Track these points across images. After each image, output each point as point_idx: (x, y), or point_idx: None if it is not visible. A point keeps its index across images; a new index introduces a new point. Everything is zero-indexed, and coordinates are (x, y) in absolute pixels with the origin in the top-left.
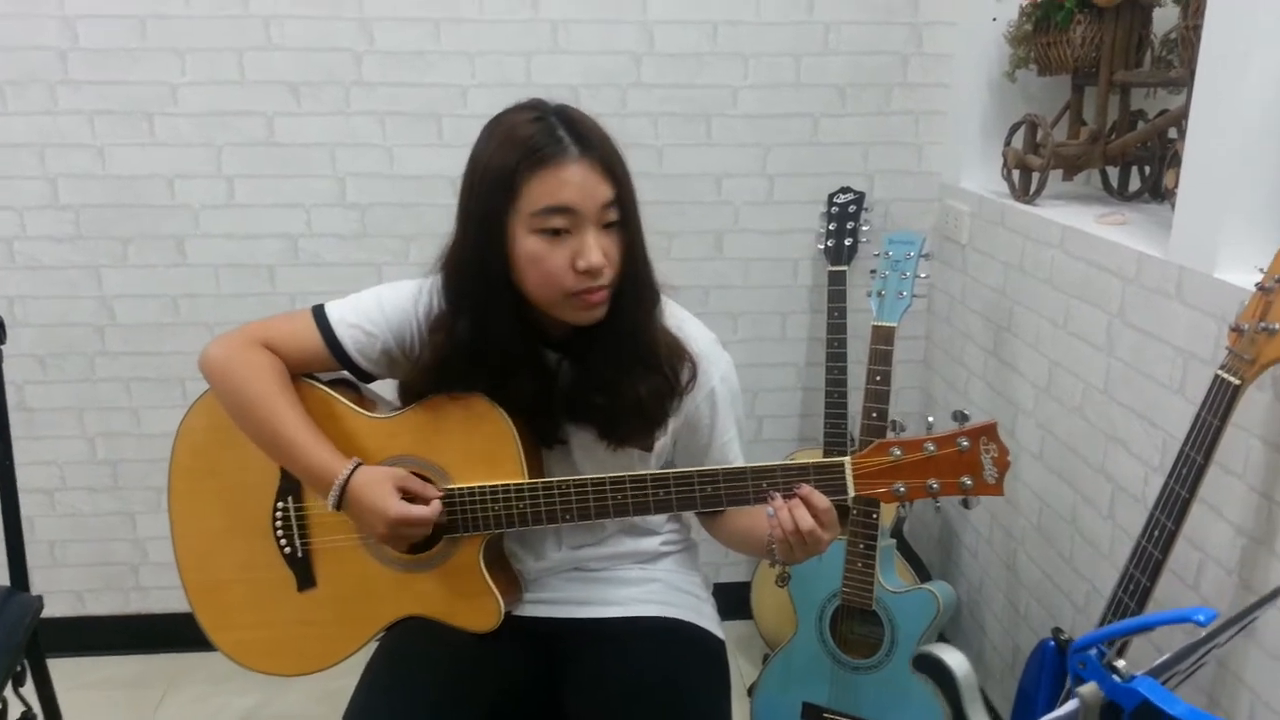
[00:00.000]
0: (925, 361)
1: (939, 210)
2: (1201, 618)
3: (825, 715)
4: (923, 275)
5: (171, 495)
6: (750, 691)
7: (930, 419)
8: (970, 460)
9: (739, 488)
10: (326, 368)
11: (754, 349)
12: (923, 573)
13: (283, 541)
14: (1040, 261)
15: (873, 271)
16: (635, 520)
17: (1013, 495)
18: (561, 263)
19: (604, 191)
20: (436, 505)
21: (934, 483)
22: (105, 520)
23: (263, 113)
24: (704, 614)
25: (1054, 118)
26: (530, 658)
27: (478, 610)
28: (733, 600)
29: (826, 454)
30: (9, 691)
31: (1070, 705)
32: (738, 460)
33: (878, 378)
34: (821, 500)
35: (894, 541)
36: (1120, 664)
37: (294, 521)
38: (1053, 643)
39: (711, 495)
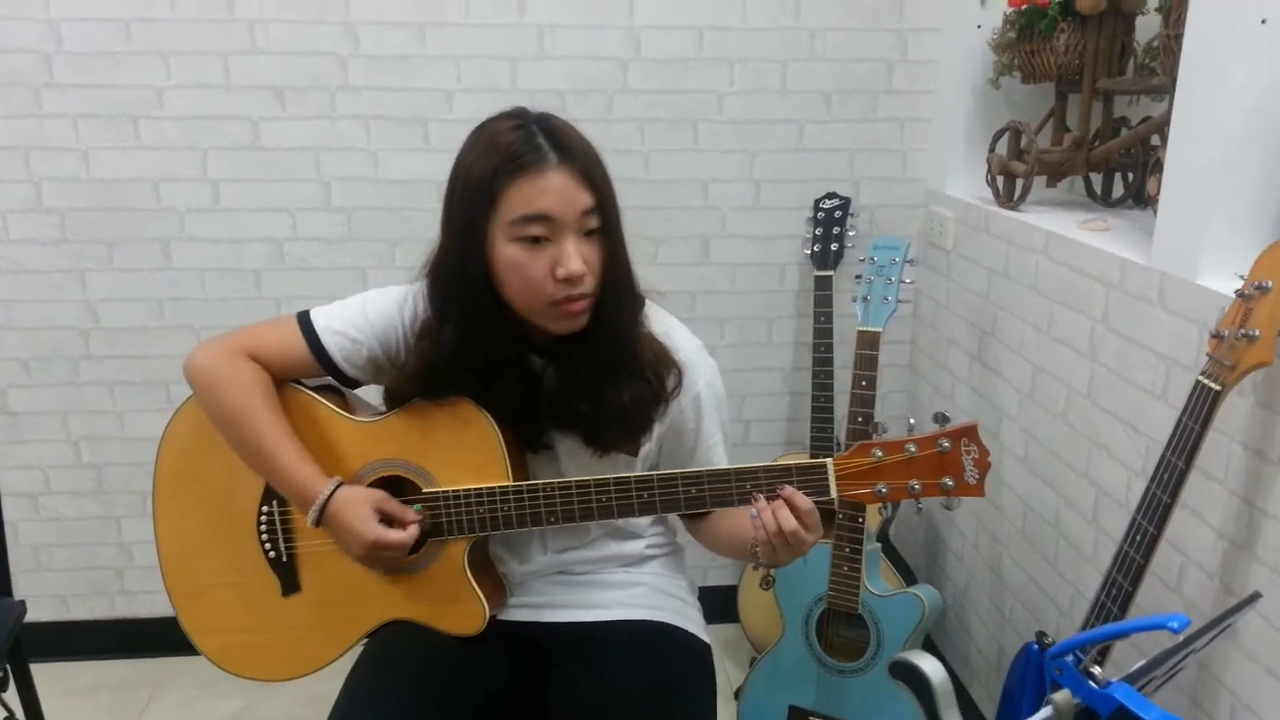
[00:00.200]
0: (911, 366)
1: (924, 216)
2: (1175, 625)
3: (811, 718)
4: (908, 281)
5: (156, 500)
6: (737, 695)
7: (911, 421)
8: (951, 461)
9: (722, 489)
10: (312, 374)
11: (741, 354)
12: (908, 576)
13: (267, 546)
14: (1024, 267)
15: (858, 277)
16: (620, 523)
17: (997, 499)
18: (541, 270)
19: (583, 199)
20: (413, 530)
21: (916, 484)
22: (89, 524)
23: (248, 117)
24: (690, 618)
25: (1038, 124)
26: (515, 662)
27: (462, 614)
28: (720, 603)
29: (813, 458)
30: None
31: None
32: (723, 465)
33: (863, 382)
34: (804, 501)
35: (879, 545)
36: (1096, 670)
37: (279, 526)
38: (1036, 646)
39: (695, 497)
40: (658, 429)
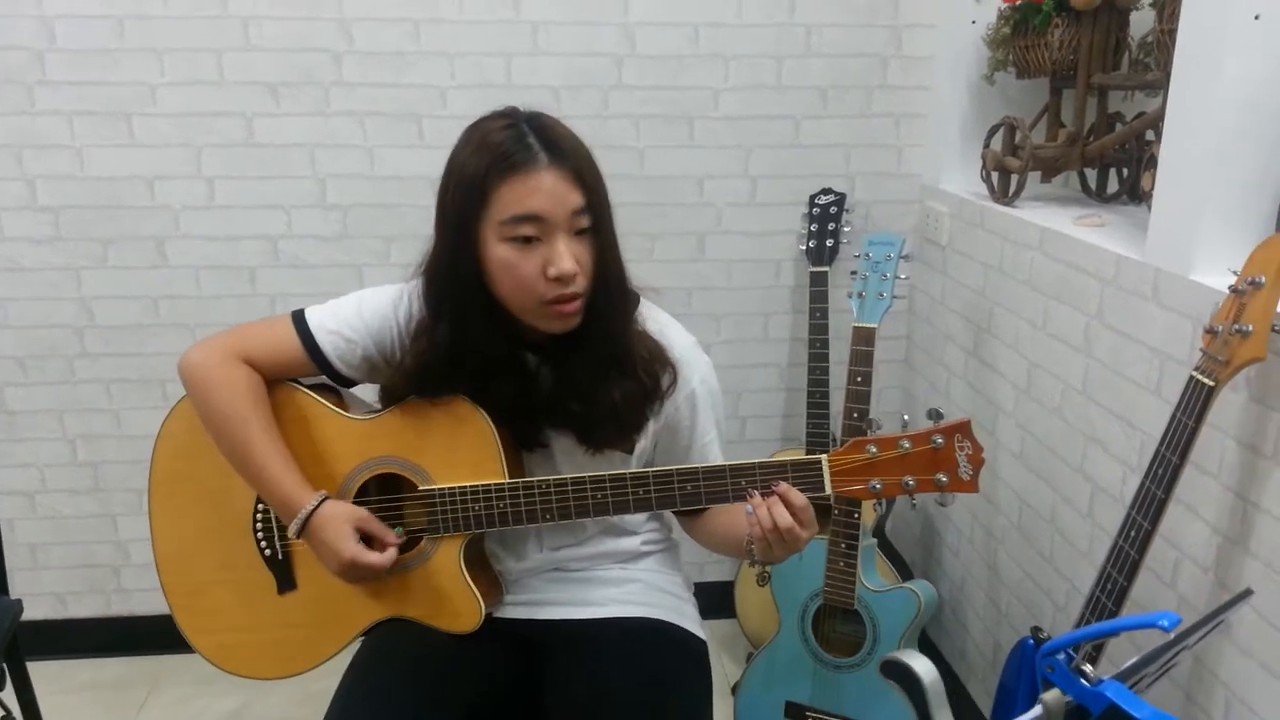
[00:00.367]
0: (907, 361)
1: (919, 212)
2: (1166, 623)
3: (808, 714)
4: (903, 276)
5: (151, 499)
6: (734, 690)
7: (905, 417)
8: (945, 457)
9: (718, 486)
10: (307, 373)
11: (737, 350)
12: (904, 571)
13: (263, 543)
14: (1019, 263)
15: (853, 273)
16: (615, 520)
17: (993, 494)
18: (533, 270)
19: (574, 199)
20: (391, 554)
21: (910, 480)
22: (86, 522)
23: (242, 113)
24: (685, 614)
25: (1032, 120)
26: (511, 659)
27: (458, 611)
28: (716, 599)
29: (809, 454)
30: None
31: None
32: (718, 462)
33: (859, 378)
34: (799, 498)
35: (875, 541)
36: (1088, 668)
37: (274, 523)
38: (1032, 641)
39: (690, 493)
40: (652, 426)
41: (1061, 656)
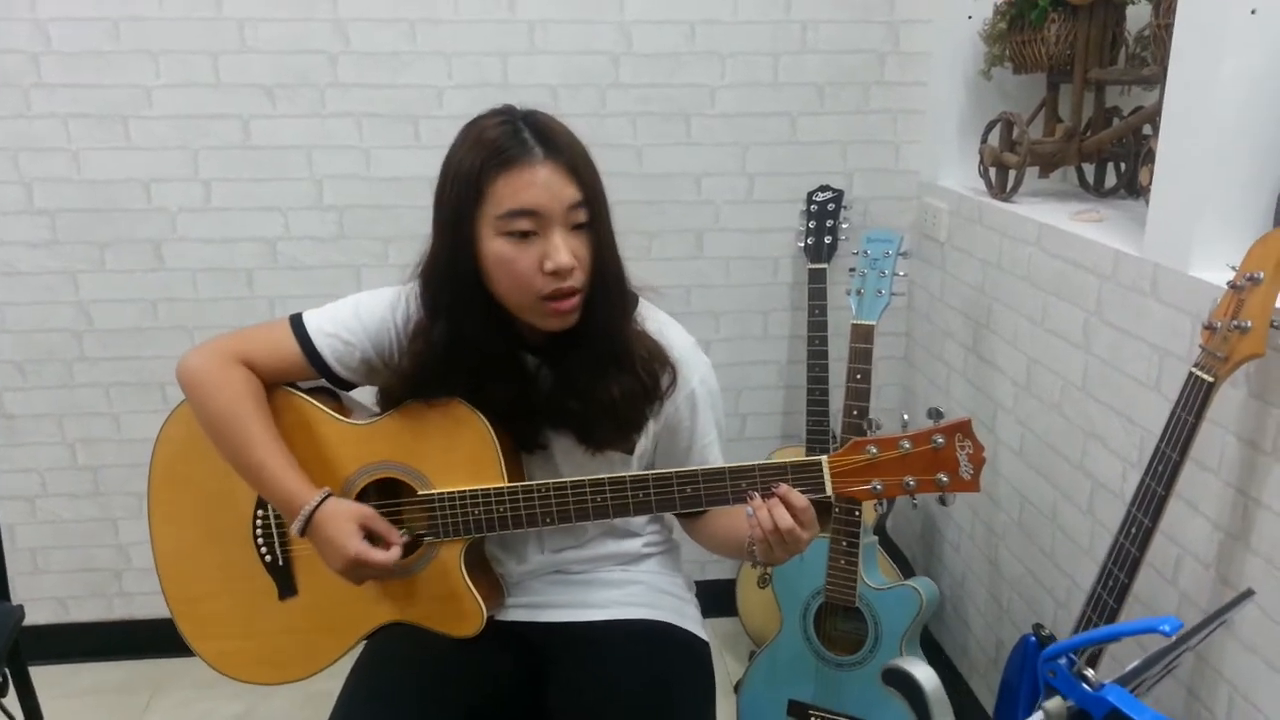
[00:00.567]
0: (906, 358)
1: (917, 208)
2: (1167, 628)
3: (810, 712)
4: (901, 274)
5: (151, 505)
6: (736, 689)
7: (905, 416)
8: (946, 457)
9: (718, 488)
10: (305, 377)
11: (736, 347)
12: (905, 569)
13: (263, 549)
14: (1018, 259)
15: (852, 270)
16: (617, 522)
17: (994, 491)
18: (530, 265)
19: (570, 193)
20: (395, 552)
21: (910, 480)
22: (87, 526)
23: (238, 115)
24: (687, 615)
25: (1030, 115)
26: (514, 662)
27: (460, 615)
28: (718, 597)
29: (809, 451)
30: None
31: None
32: (718, 462)
33: (858, 376)
34: (799, 499)
35: (876, 538)
36: (1090, 673)
37: (274, 529)
38: (1034, 638)
39: (691, 496)
40: (652, 426)
41: (1063, 661)
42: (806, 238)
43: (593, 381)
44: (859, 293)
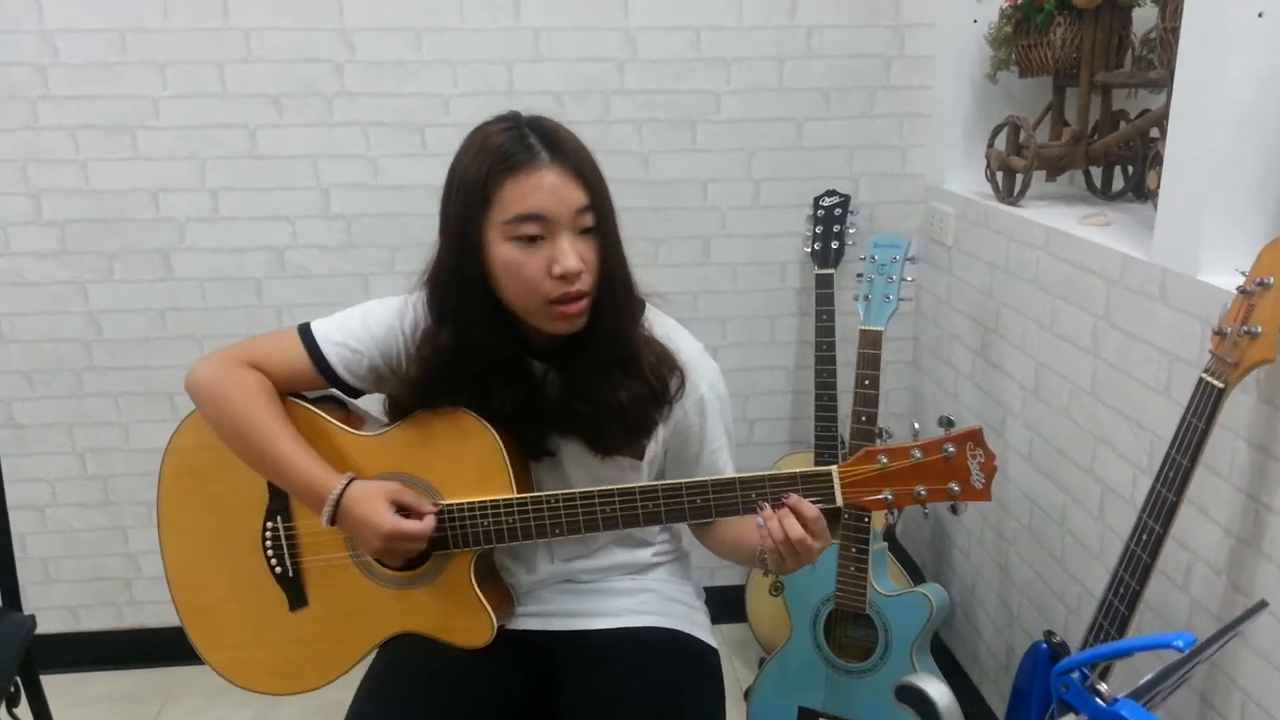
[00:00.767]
0: (914, 363)
1: (924, 212)
2: (1180, 644)
3: (821, 719)
4: (909, 279)
5: (161, 516)
6: (746, 695)
7: (916, 425)
8: (957, 466)
9: (728, 499)
10: (314, 386)
11: (744, 353)
12: (915, 575)
13: (273, 561)
14: (1025, 263)
15: (859, 275)
16: (627, 531)
17: (1003, 496)
18: (538, 269)
19: (577, 197)
20: (430, 520)
21: (921, 489)
22: (97, 535)
23: (245, 125)
24: (697, 623)
25: (1036, 119)
26: (525, 671)
27: (470, 626)
28: (728, 604)
29: (817, 456)
30: (2, 711)
31: None
32: (728, 468)
33: (866, 381)
34: (810, 509)
35: (886, 545)
36: (1102, 687)
37: (284, 541)
38: (1045, 645)
39: (701, 506)
40: (661, 431)
41: (1076, 675)
42: (813, 243)
43: (600, 385)
44: (866, 298)
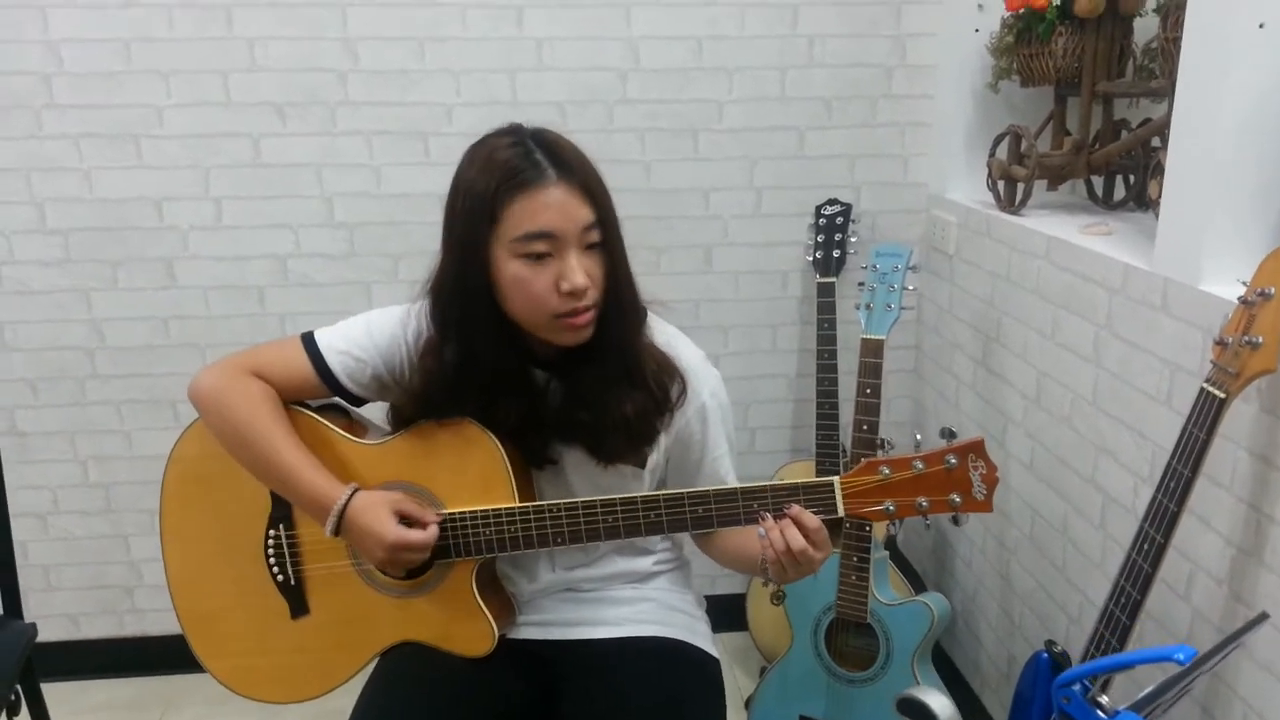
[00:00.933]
0: (916, 371)
1: (926, 221)
2: (1181, 657)
3: None
4: (910, 288)
5: (163, 524)
6: (747, 704)
7: (918, 436)
8: (959, 477)
9: (729, 509)
10: (317, 395)
11: (745, 361)
12: (917, 584)
13: (275, 569)
14: (1027, 272)
15: (861, 284)
16: (628, 540)
17: (1005, 505)
18: (546, 285)
19: (584, 214)
20: (434, 530)
21: (923, 500)
22: (99, 543)
23: (249, 134)
24: (698, 632)
25: (1038, 128)
26: (526, 680)
27: (471, 634)
28: (729, 612)
29: (819, 465)
30: (2, 719)
31: None
32: (730, 476)
33: (868, 390)
34: (812, 520)
35: (887, 553)
36: (1104, 699)
37: (286, 549)
38: (1046, 655)
39: (702, 516)
40: (663, 440)
41: (1077, 687)
42: (815, 251)
43: (604, 395)
44: (868, 307)
